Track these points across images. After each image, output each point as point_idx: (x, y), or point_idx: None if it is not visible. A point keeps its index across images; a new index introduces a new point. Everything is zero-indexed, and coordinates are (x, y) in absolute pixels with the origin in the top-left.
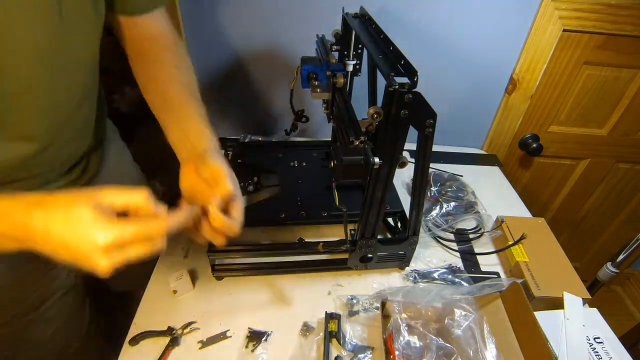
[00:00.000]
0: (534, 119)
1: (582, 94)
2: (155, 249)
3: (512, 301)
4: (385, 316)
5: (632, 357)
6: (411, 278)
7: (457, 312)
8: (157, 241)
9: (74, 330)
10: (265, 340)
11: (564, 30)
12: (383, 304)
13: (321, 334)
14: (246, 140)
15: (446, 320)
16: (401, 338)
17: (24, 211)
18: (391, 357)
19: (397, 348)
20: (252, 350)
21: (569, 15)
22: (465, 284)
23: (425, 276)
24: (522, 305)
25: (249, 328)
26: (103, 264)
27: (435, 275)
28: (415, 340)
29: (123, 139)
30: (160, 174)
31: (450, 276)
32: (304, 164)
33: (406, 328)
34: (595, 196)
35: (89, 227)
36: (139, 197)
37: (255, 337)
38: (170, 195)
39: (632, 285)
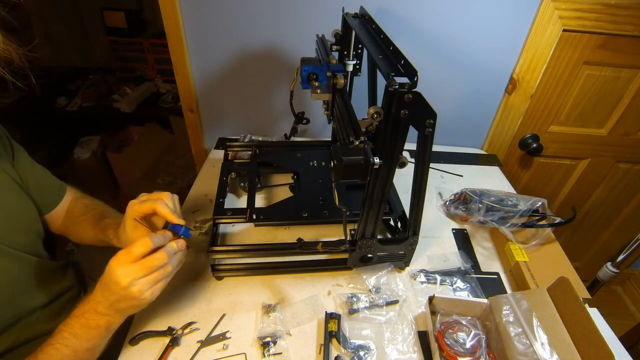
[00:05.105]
0: (534, 119)
1: (582, 94)
2: (167, 272)
3: (561, 296)
4: (433, 312)
5: (632, 357)
6: (418, 277)
7: (505, 307)
8: (166, 266)
9: None
10: (275, 343)
11: (564, 30)
12: (430, 300)
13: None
14: (246, 140)
15: (494, 316)
16: (452, 334)
17: (92, 313)
18: (443, 354)
19: (448, 345)
20: (268, 355)
21: (569, 15)
22: (467, 284)
23: (428, 275)
24: (572, 300)
25: (258, 337)
26: (145, 295)
27: (437, 275)
28: (464, 336)
29: (122, 137)
30: (161, 171)
31: (450, 278)
32: (305, 164)
33: (455, 324)
34: (595, 196)
35: (120, 280)
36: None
37: (266, 343)
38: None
39: (632, 285)
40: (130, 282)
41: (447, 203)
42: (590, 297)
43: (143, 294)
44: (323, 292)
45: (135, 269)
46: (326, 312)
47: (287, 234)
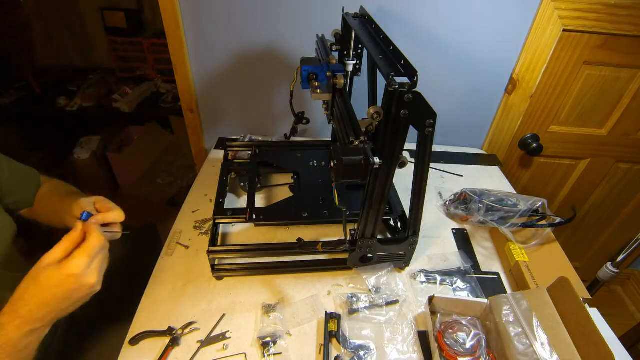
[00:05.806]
0: (534, 119)
1: (582, 94)
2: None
3: (561, 296)
4: (433, 312)
5: (632, 357)
6: (418, 277)
7: (505, 307)
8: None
9: None
10: (275, 343)
11: (564, 30)
12: (430, 300)
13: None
14: (246, 140)
15: (494, 316)
16: (452, 334)
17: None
18: (443, 354)
19: (448, 345)
20: (268, 355)
21: (569, 15)
22: (467, 284)
23: (428, 275)
24: (572, 300)
25: (258, 337)
26: (91, 279)
27: (437, 275)
28: (464, 336)
29: (122, 137)
30: (161, 171)
31: (450, 278)
32: (305, 164)
33: (455, 324)
34: (595, 196)
35: (62, 273)
36: (69, 239)
37: (266, 343)
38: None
39: (632, 285)
40: (83, 271)
41: (447, 203)
42: (590, 297)
43: (98, 282)
44: (323, 292)
45: (81, 258)
46: (326, 312)
47: (287, 234)
